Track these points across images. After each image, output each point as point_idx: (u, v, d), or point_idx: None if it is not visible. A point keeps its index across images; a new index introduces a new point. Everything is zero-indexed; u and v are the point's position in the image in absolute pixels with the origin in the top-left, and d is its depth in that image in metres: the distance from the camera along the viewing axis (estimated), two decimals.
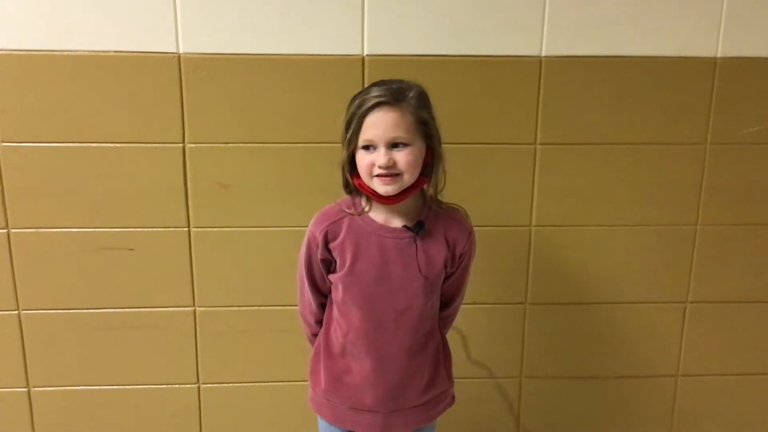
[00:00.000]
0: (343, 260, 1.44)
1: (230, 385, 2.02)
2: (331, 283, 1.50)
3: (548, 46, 1.81)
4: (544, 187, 1.91)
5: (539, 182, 1.91)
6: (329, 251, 1.46)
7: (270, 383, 2.02)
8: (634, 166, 1.91)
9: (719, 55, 1.84)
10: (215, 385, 2.02)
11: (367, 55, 1.78)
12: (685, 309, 2.04)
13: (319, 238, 1.45)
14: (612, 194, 1.93)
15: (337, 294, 1.48)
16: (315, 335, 1.60)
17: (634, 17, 1.80)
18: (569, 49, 1.81)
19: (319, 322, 1.57)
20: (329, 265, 1.49)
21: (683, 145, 1.90)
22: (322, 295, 1.55)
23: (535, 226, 1.95)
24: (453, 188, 1.78)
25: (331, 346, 1.52)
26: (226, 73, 1.77)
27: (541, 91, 1.83)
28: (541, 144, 1.88)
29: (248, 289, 1.93)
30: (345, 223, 1.45)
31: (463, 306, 1.92)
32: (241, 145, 1.82)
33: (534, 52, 1.81)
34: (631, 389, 2.11)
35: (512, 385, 2.09)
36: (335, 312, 1.51)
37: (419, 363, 1.51)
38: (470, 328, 2.01)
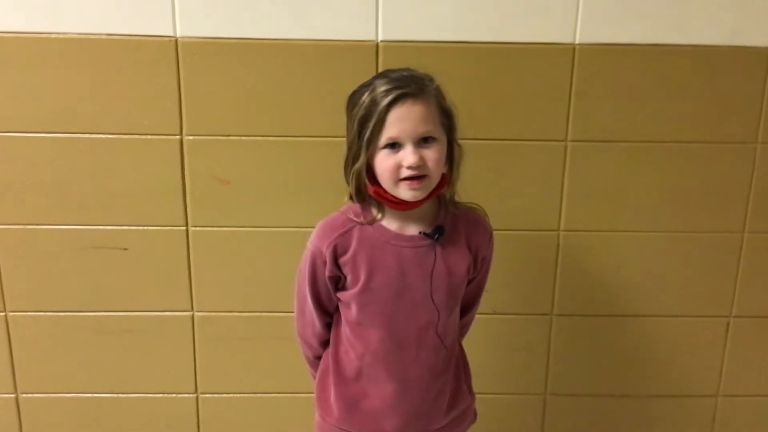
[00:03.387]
0: (356, 276, 1.31)
1: (230, 395, 1.97)
2: (339, 301, 1.38)
3: (582, 33, 1.71)
4: (575, 188, 1.82)
5: (569, 183, 1.82)
6: (339, 267, 1.33)
7: (272, 394, 1.96)
8: (675, 166, 1.81)
9: None
10: (214, 395, 1.96)
11: (381, 41, 1.69)
12: (728, 324, 1.95)
13: (327, 254, 1.31)
14: (649, 197, 1.84)
15: (350, 313, 1.36)
16: (318, 358, 1.48)
17: (678, 2, 1.70)
18: (605, 36, 1.72)
19: (324, 344, 1.46)
20: (338, 283, 1.36)
21: (731, 143, 1.80)
22: (327, 315, 1.43)
23: (563, 230, 1.86)
24: (475, 188, 1.67)
25: (342, 370, 1.40)
26: (227, 60, 1.70)
27: (574, 82, 1.74)
28: (572, 141, 1.79)
29: (250, 293, 1.88)
30: (355, 234, 1.32)
31: (483, 316, 1.85)
32: (243, 138, 1.75)
33: (566, 39, 1.72)
34: (666, 410, 2.03)
35: (536, 402, 2.01)
36: (346, 332, 1.39)
37: (443, 381, 1.41)
38: (491, 339, 1.93)
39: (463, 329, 1.53)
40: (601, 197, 1.83)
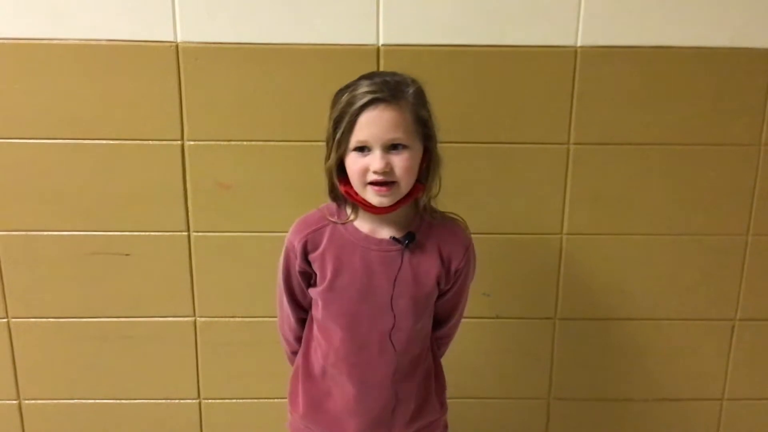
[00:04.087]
0: (324, 274, 1.33)
1: (233, 400, 1.95)
2: (311, 297, 1.39)
3: (584, 35, 1.70)
4: (578, 191, 1.81)
5: (572, 186, 1.80)
6: (308, 263, 1.35)
7: (275, 399, 1.93)
8: (678, 169, 1.80)
9: None
10: (217, 400, 1.95)
11: (382, 44, 1.68)
12: (733, 327, 1.93)
13: (298, 248, 1.33)
14: (653, 200, 1.82)
15: (317, 310, 1.38)
16: (295, 353, 1.50)
17: (680, 3, 1.69)
18: (607, 38, 1.70)
19: (299, 340, 1.47)
20: (309, 278, 1.38)
21: (734, 146, 1.78)
22: (302, 310, 1.44)
23: (566, 234, 1.84)
24: (478, 191, 1.66)
25: (310, 367, 1.42)
26: (228, 64, 1.69)
27: (576, 85, 1.73)
28: (574, 144, 1.77)
29: (252, 298, 1.86)
30: (327, 232, 1.33)
31: (486, 320, 1.82)
32: (245, 142, 1.74)
33: (568, 41, 1.70)
34: (671, 414, 2.01)
35: (540, 407, 1.99)
36: (315, 330, 1.41)
37: (406, 389, 1.40)
38: (494, 344, 1.91)
39: (440, 341, 1.51)
40: (604, 200, 1.81)
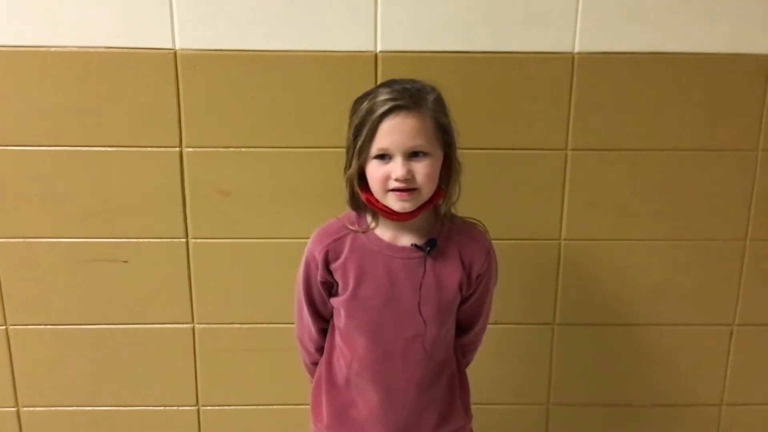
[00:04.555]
0: (346, 283, 1.32)
1: (231, 407, 1.95)
2: (333, 307, 1.38)
3: (581, 42, 1.70)
4: (576, 196, 1.80)
5: (570, 191, 1.80)
6: (330, 273, 1.34)
7: (274, 406, 1.94)
8: (677, 174, 1.79)
9: None
10: (216, 407, 1.94)
11: (380, 51, 1.68)
12: (731, 332, 1.93)
13: (319, 259, 1.33)
14: (651, 205, 1.82)
15: (340, 320, 1.37)
16: (315, 364, 1.49)
17: (678, 9, 1.69)
18: (604, 44, 1.70)
19: (320, 350, 1.46)
20: (330, 288, 1.37)
21: (732, 151, 1.78)
22: (322, 320, 1.43)
23: (565, 239, 1.84)
24: (475, 198, 1.66)
25: (334, 377, 1.41)
26: (226, 71, 1.68)
27: (574, 91, 1.73)
28: (572, 150, 1.77)
29: (251, 305, 1.86)
30: (348, 241, 1.33)
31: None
32: (243, 149, 1.74)
33: (566, 48, 1.70)
34: (670, 419, 2.00)
35: (539, 412, 1.98)
36: (338, 339, 1.40)
37: (431, 396, 1.39)
38: (493, 349, 1.88)
39: (465, 349, 1.51)
40: (603, 206, 1.81)
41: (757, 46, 1.71)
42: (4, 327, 1.84)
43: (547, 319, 1.90)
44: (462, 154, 1.72)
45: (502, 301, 1.83)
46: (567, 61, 1.70)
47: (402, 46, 1.67)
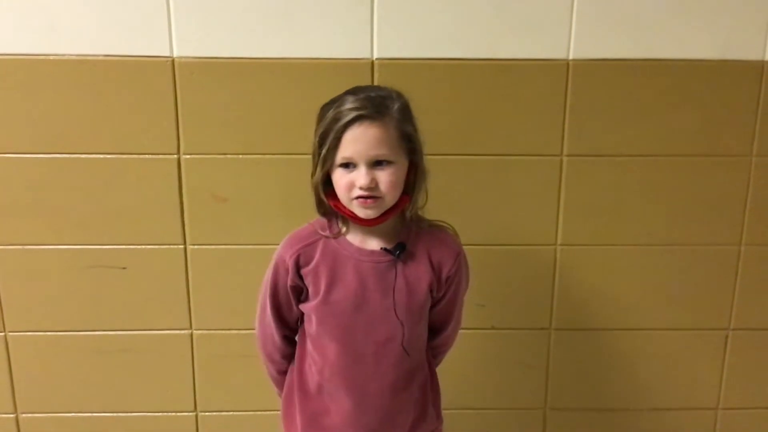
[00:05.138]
0: (317, 288, 1.33)
1: (229, 413, 1.95)
2: (301, 313, 1.39)
3: (576, 49, 1.71)
4: (571, 202, 1.81)
5: (566, 197, 1.81)
6: (301, 278, 1.34)
7: (271, 412, 1.88)
8: (671, 180, 1.80)
9: (767, 58, 1.73)
10: (214, 413, 1.94)
11: (376, 58, 1.69)
12: (727, 336, 1.93)
13: (290, 263, 1.33)
14: (646, 211, 1.82)
15: (311, 326, 1.37)
16: (281, 373, 1.48)
17: (671, 16, 1.70)
18: (599, 51, 1.71)
19: (286, 357, 1.46)
20: (300, 294, 1.37)
21: (726, 157, 1.79)
22: (286, 327, 1.43)
23: (560, 245, 1.84)
24: (471, 204, 1.66)
25: (305, 385, 1.41)
26: (224, 79, 1.69)
27: (568, 97, 1.73)
28: (567, 156, 1.78)
29: (249, 311, 1.75)
30: (319, 246, 1.34)
31: (482, 331, 1.81)
32: (240, 156, 1.74)
33: (560, 54, 1.71)
34: (666, 423, 2.00)
35: (536, 417, 1.98)
36: (309, 346, 1.39)
37: (404, 400, 1.39)
38: (490, 354, 1.91)
39: (436, 350, 1.51)
40: (598, 211, 1.81)
41: (751, 53, 1.72)
42: (3, 333, 1.84)
43: (544, 324, 1.90)
44: (457, 160, 1.75)
45: (498, 307, 1.86)
46: (562, 68, 1.71)
47: (398, 53, 1.68)
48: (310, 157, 1.70)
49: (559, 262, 1.85)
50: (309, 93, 1.65)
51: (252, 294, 1.78)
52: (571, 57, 1.71)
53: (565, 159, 1.77)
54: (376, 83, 1.67)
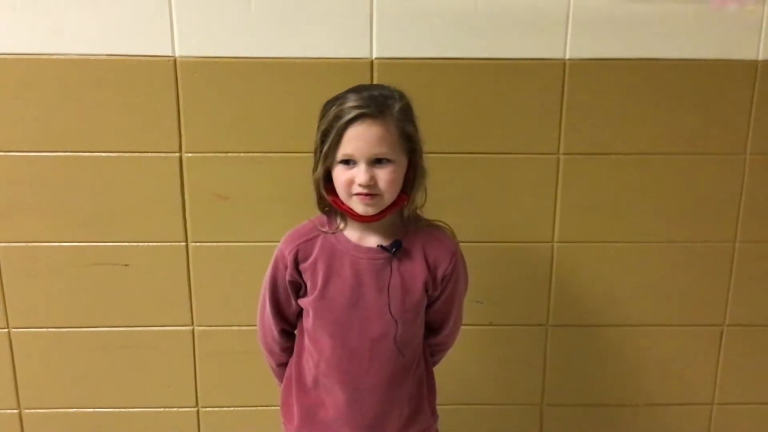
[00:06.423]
0: (314, 283, 1.35)
1: (231, 408, 1.95)
2: (300, 308, 1.41)
3: (573, 48, 1.71)
4: (568, 200, 1.82)
5: (562, 195, 1.81)
6: (299, 273, 1.36)
7: (273, 407, 1.83)
8: (667, 178, 1.81)
9: (761, 57, 1.73)
10: (215, 408, 1.95)
11: (376, 58, 1.70)
12: (721, 332, 1.93)
13: (289, 258, 1.35)
14: (642, 208, 1.83)
15: (308, 320, 1.39)
16: (281, 365, 1.50)
17: (667, 17, 1.70)
18: (596, 51, 1.72)
19: (285, 350, 1.48)
20: (298, 289, 1.39)
21: (721, 155, 1.80)
22: (284, 321, 1.45)
23: (557, 242, 1.85)
24: (469, 201, 1.67)
25: (303, 378, 1.43)
26: (225, 78, 1.70)
27: (565, 96, 1.74)
28: (564, 154, 1.78)
29: (250, 308, 1.76)
30: (318, 242, 1.35)
31: (479, 328, 1.82)
32: (242, 154, 1.75)
33: (557, 54, 1.72)
34: (662, 418, 2.01)
35: (533, 413, 1.99)
36: (306, 340, 1.41)
37: (398, 396, 1.40)
38: (487, 351, 1.92)
39: (434, 349, 1.52)
40: (594, 209, 1.82)
41: (745, 53, 1.72)
42: (6, 330, 1.85)
43: (541, 321, 1.91)
44: (455, 159, 1.75)
45: (496, 303, 1.86)
46: (558, 68, 1.72)
47: (397, 52, 1.69)
48: (310, 155, 1.71)
49: (556, 259, 1.86)
50: (309, 92, 1.68)
51: (253, 291, 1.77)
52: (567, 57, 1.71)
53: (561, 157, 1.78)
54: (375, 83, 1.68)
